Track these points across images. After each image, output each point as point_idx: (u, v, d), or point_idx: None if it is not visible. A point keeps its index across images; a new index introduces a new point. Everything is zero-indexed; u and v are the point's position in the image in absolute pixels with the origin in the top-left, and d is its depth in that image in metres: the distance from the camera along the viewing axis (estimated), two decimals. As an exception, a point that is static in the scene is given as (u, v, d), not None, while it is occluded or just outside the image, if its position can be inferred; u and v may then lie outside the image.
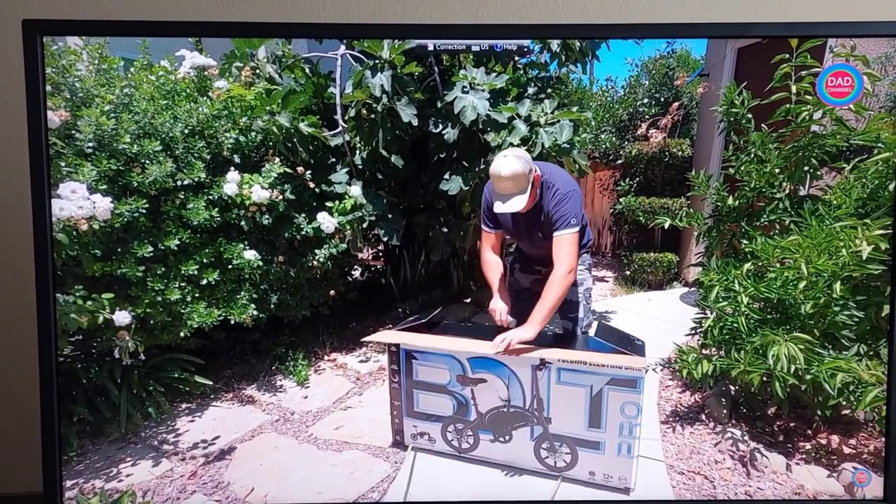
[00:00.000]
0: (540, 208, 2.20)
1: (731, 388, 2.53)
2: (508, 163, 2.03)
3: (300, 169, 2.65)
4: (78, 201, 1.91)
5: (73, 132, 2.07)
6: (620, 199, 3.80)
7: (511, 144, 2.66)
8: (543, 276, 2.21)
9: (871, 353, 2.05)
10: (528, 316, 2.11)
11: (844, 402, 2.07)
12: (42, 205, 1.58)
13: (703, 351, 2.44)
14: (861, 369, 1.95)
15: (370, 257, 3.53)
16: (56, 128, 1.98)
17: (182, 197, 2.32)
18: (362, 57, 2.70)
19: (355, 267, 3.51)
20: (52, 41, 2.03)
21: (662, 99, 3.71)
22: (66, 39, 2.13)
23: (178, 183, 2.30)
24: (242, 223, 2.47)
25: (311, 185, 2.71)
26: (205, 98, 2.49)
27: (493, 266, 2.36)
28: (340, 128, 2.78)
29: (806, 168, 2.37)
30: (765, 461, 2.17)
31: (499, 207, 2.08)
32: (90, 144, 2.08)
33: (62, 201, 1.87)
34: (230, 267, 2.45)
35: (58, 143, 2.00)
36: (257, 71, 2.71)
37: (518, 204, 2.06)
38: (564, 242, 2.13)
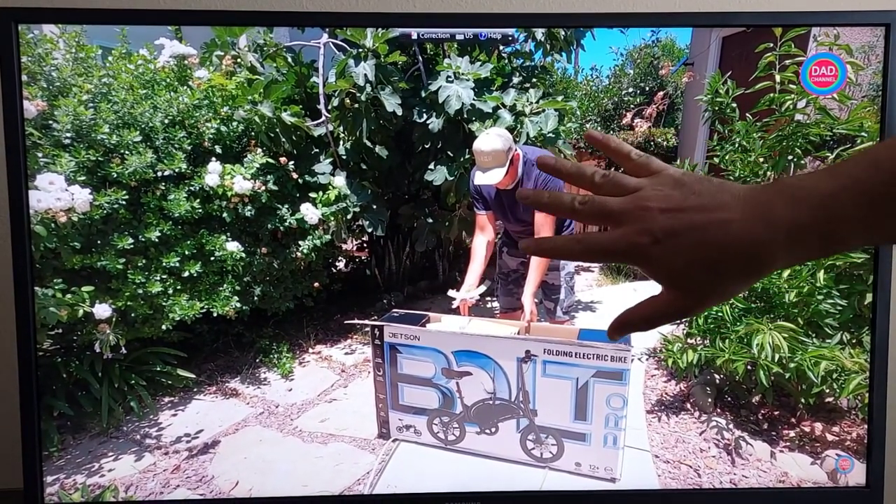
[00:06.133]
0: (525, 186, 2.42)
1: (716, 377, 2.54)
2: (489, 140, 2.26)
3: (283, 159, 2.62)
4: (56, 193, 1.87)
5: (51, 122, 2.03)
6: (606, 189, 3.79)
7: (497, 134, 2.67)
8: (528, 259, 2.49)
9: (854, 341, 2.06)
10: (516, 294, 2.52)
11: (828, 390, 2.09)
12: (19, 197, 1.55)
13: (688, 340, 2.45)
14: (844, 357, 1.97)
15: (354, 248, 3.51)
16: (33, 118, 1.93)
17: (163, 188, 2.29)
18: (345, 46, 2.67)
19: (339, 258, 3.49)
20: (27, 29, 1.98)
21: (647, 88, 3.70)
22: (41, 27, 2.08)
23: (159, 174, 2.26)
24: (224, 214, 2.43)
25: (295, 175, 2.68)
26: (185, 87, 2.45)
27: (475, 254, 2.57)
28: (324, 117, 2.75)
29: (790, 157, 2.37)
30: (749, 449, 2.18)
31: (479, 178, 2.33)
32: (68, 135, 2.04)
33: (40, 193, 1.83)
34: (212, 259, 2.42)
35: (35, 133, 1.96)
36: (238, 60, 2.66)
37: (496, 176, 2.26)
38: (549, 218, 2.39)
